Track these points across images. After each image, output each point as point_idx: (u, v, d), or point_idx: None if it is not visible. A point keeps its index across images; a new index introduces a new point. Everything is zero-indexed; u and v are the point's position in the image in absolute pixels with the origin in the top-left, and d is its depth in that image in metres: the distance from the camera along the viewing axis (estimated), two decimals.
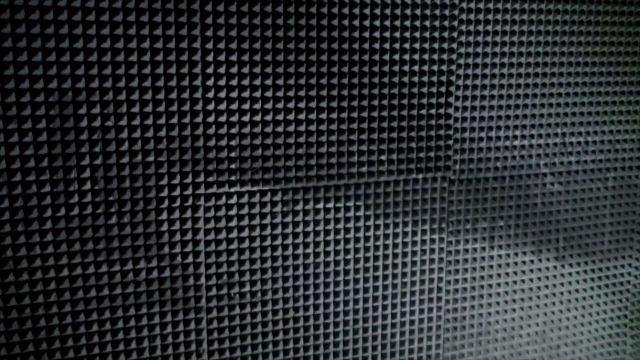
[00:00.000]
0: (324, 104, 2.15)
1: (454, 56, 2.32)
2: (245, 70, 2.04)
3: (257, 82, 2.06)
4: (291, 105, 2.12)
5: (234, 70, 2.03)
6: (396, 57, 2.23)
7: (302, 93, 2.13)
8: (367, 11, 2.16)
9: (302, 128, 2.15)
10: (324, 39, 2.12)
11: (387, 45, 2.21)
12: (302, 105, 2.13)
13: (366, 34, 2.17)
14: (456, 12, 2.30)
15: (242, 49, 2.03)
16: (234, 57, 2.02)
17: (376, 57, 2.19)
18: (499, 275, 2.58)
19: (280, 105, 2.11)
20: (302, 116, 2.14)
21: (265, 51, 2.05)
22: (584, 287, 2.73)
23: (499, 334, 2.62)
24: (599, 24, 2.53)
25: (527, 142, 2.50)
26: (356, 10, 2.15)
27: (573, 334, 2.74)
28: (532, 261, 2.60)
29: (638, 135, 2.67)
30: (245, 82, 2.05)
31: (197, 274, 2.14)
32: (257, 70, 2.05)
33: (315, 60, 2.12)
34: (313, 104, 2.14)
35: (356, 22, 2.15)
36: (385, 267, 2.38)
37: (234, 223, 2.16)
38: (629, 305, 2.81)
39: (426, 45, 2.27)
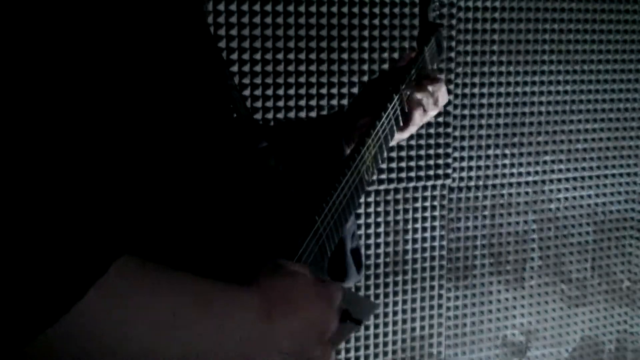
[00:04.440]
0: (324, 102, 2.11)
1: (452, 65, 2.29)
2: (246, 69, 2.00)
3: (258, 80, 2.02)
4: (292, 103, 2.07)
5: (234, 69, 1.99)
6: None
7: (302, 91, 2.08)
8: (366, 10, 2.13)
9: None
10: (324, 37, 2.08)
11: (386, 44, 2.17)
12: (302, 103, 2.09)
13: (366, 33, 2.14)
14: (454, 10, 2.26)
15: (242, 48, 1.99)
16: (234, 56, 1.98)
17: (375, 55, 2.15)
18: (499, 272, 2.52)
19: (281, 104, 2.06)
20: (302, 114, 2.09)
21: (266, 50, 2.02)
22: (584, 283, 2.67)
23: (500, 332, 2.56)
24: (603, 22, 2.50)
25: (526, 149, 2.46)
26: (355, 9, 2.11)
27: (574, 331, 2.69)
28: (532, 258, 2.55)
29: (636, 142, 2.63)
30: (246, 80, 2.01)
31: None
32: (258, 68, 2.01)
33: (315, 59, 2.08)
34: (313, 102, 2.10)
35: (355, 21, 2.11)
36: (387, 274, 2.33)
37: None
38: (630, 303, 2.75)
39: None
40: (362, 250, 2.27)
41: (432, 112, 1.26)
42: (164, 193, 0.70)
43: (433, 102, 1.24)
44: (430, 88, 1.22)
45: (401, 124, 1.20)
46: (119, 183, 0.65)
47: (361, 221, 2.26)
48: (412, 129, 1.26)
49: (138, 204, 0.67)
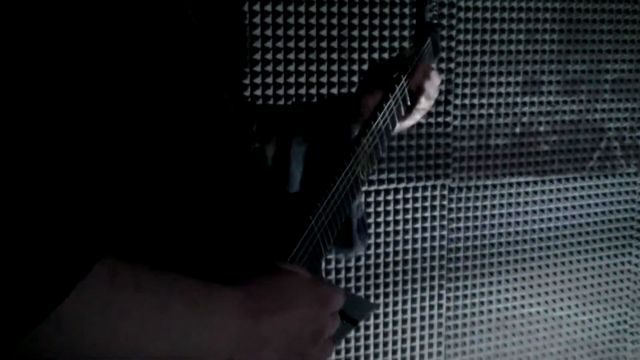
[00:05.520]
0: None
1: (452, 65, 2.28)
2: (246, 69, 1.99)
3: (258, 80, 2.01)
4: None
5: None
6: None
7: (302, 91, 2.08)
8: (366, 10, 2.12)
9: None
10: (324, 37, 2.08)
11: (386, 44, 2.16)
12: None
13: (366, 33, 2.13)
14: (454, 10, 2.25)
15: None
16: None
17: (375, 55, 2.14)
18: (499, 272, 2.52)
19: (280, 104, 2.05)
20: None
21: (266, 50, 2.01)
22: (584, 283, 2.66)
23: (500, 332, 2.56)
24: (603, 22, 2.49)
25: (526, 149, 2.45)
26: (355, 9, 2.10)
27: (574, 331, 2.68)
28: (532, 258, 2.54)
29: (636, 141, 2.63)
30: (246, 80, 2.00)
31: None
32: (258, 68, 2.01)
33: (315, 59, 2.07)
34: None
35: (355, 21, 2.11)
36: (387, 274, 2.32)
37: None
38: (630, 303, 2.75)
39: None
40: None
41: (430, 102, 1.26)
42: (154, 193, 0.70)
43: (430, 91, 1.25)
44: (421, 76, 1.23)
45: (403, 113, 1.20)
46: (106, 183, 0.65)
47: None
48: (416, 116, 1.27)
49: (126, 204, 0.67)
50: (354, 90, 2.07)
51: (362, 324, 2.30)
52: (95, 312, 0.55)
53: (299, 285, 0.73)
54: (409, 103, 1.22)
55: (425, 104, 1.25)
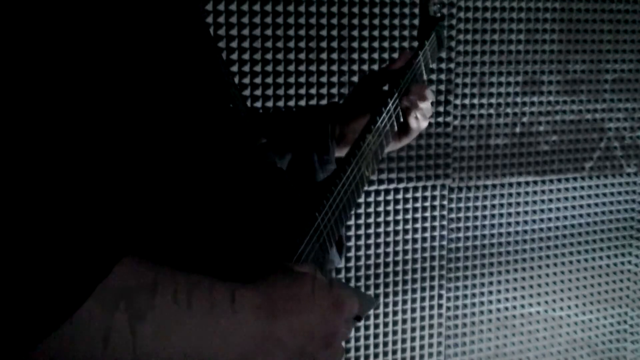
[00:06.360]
0: (324, 103, 2.10)
1: (452, 65, 2.28)
2: (246, 69, 2.00)
3: (258, 80, 2.01)
4: (292, 104, 2.07)
5: (234, 69, 1.98)
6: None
7: (302, 91, 2.08)
8: (366, 10, 2.12)
9: None
10: (324, 37, 2.07)
11: (386, 44, 2.16)
12: (302, 103, 2.08)
13: (366, 33, 2.13)
14: (454, 10, 2.25)
15: (242, 48, 1.98)
16: (234, 56, 1.98)
17: (375, 55, 2.14)
18: (499, 272, 2.51)
19: (280, 104, 2.06)
20: None
21: (266, 50, 2.01)
22: (584, 283, 2.66)
23: (500, 332, 2.55)
24: (603, 22, 2.49)
25: (526, 149, 2.45)
26: (355, 9, 2.10)
27: (574, 331, 2.68)
28: (532, 258, 2.54)
29: (636, 141, 2.63)
30: (246, 80, 2.00)
31: None
32: (258, 68, 2.00)
33: (315, 59, 2.07)
34: (313, 103, 2.09)
35: (355, 21, 2.11)
36: (387, 274, 2.32)
37: None
38: (630, 303, 2.74)
39: None
40: (363, 251, 2.26)
41: (424, 123, 1.24)
42: (166, 192, 0.70)
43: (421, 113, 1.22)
44: (415, 98, 1.20)
45: (401, 119, 1.18)
46: (120, 184, 0.65)
47: (361, 221, 2.25)
48: (410, 137, 1.24)
49: (139, 204, 0.67)
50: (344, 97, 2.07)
51: (362, 323, 2.30)
52: (113, 314, 0.55)
53: (314, 288, 0.73)
54: (401, 119, 1.19)
55: (418, 124, 1.22)
